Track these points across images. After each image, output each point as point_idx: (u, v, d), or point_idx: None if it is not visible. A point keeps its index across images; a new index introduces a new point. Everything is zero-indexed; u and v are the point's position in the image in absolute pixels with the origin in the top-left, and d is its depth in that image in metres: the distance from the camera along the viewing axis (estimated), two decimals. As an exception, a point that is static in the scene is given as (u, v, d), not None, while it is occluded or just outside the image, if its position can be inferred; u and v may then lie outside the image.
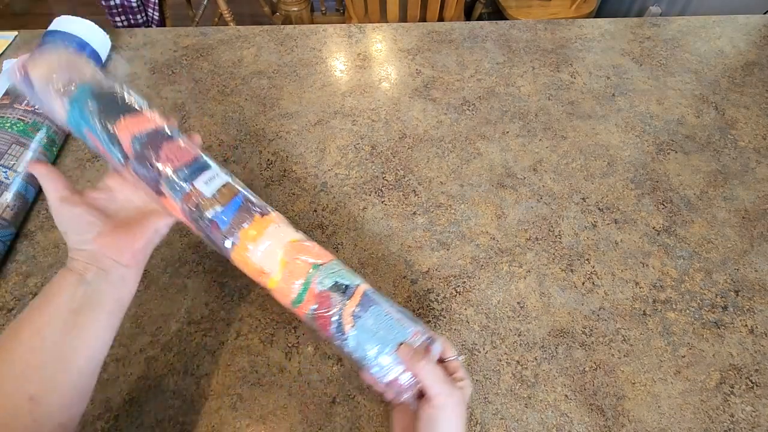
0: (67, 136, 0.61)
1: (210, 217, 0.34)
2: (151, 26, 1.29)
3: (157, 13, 1.27)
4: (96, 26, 0.67)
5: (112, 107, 0.35)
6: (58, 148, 0.59)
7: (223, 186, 0.35)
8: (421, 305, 0.47)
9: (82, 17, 0.66)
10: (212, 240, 0.35)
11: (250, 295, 0.48)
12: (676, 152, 0.61)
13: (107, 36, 0.69)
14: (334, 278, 0.35)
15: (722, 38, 0.77)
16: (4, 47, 0.73)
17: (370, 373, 0.34)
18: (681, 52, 0.75)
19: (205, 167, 0.36)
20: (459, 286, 0.49)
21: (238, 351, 0.44)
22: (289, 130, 0.63)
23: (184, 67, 0.71)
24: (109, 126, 0.34)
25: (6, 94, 0.56)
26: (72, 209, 0.34)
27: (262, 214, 0.36)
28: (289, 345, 0.45)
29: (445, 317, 0.47)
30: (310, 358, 0.44)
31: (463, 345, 0.45)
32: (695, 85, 0.69)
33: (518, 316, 0.47)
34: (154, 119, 0.36)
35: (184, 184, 0.34)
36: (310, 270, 0.35)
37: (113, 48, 0.73)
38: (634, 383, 0.43)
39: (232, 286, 0.48)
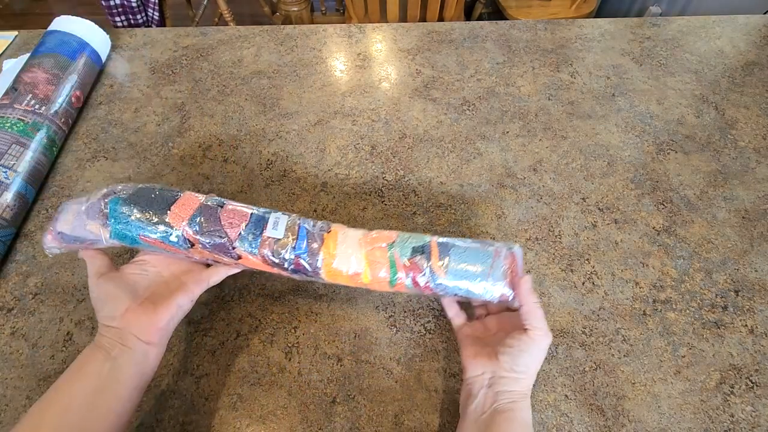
0: (67, 136, 0.61)
1: (290, 255, 0.38)
2: (151, 26, 1.29)
3: (157, 13, 1.27)
4: (96, 26, 0.67)
5: (153, 203, 0.38)
6: (58, 148, 0.59)
7: (287, 224, 0.39)
8: (421, 305, 0.47)
9: (82, 17, 0.66)
10: (301, 272, 0.39)
11: (250, 295, 0.48)
12: (676, 152, 0.61)
13: (107, 36, 0.69)
14: (409, 246, 0.39)
15: (722, 38, 0.77)
16: (4, 47, 0.73)
17: (478, 298, 0.39)
18: (681, 52, 0.75)
19: (262, 217, 0.40)
20: (459, 286, 0.49)
21: (238, 351, 0.44)
22: (289, 130, 0.63)
23: (184, 67, 0.71)
24: (162, 219, 0.38)
25: (6, 94, 0.56)
26: (106, 284, 0.37)
27: (327, 231, 0.40)
28: (289, 345, 0.45)
29: (445, 317, 0.47)
30: (310, 358, 0.44)
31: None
32: (695, 85, 0.69)
33: (518, 316, 0.47)
34: (193, 197, 0.40)
35: (254, 239, 0.38)
36: (388, 251, 0.39)
37: (113, 48, 0.73)
38: (634, 383, 0.43)
39: (232, 286, 0.48)
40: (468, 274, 0.38)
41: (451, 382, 0.43)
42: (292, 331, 0.46)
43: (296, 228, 0.39)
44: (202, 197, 0.40)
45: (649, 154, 0.61)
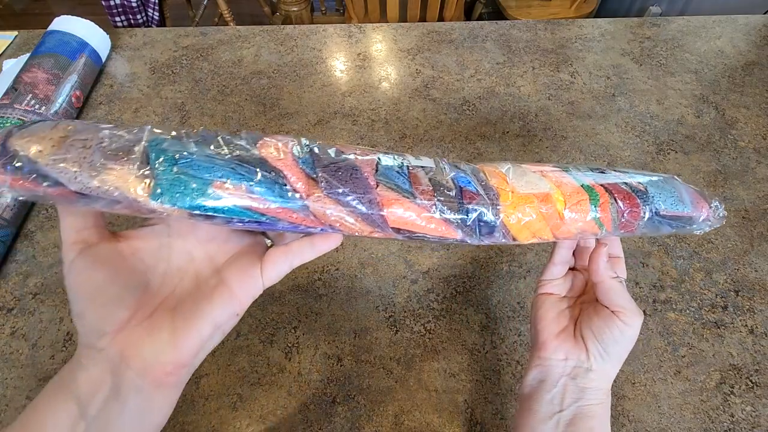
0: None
1: (453, 186, 0.27)
2: (151, 26, 1.29)
3: (157, 13, 1.27)
4: (96, 26, 0.67)
5: (225, 141, 0.23)
6: (58, 148, 0.59)
7: (434, 167, 0.28)
8: (421, 305, 0.47)
9: (82, 17, 0.66)
10: (480, 228, 0.28)
11: (250, 295, 0.48)
12: (676, 152, 0.61)
13: (107, 36, 0.69)
14: (587, 172, 0.31)
15: (722, 38, 0.77)
16: (4, 47, 0.73)
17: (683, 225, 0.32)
18: (681, 52, 0.75)
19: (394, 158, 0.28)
20: (459, 286, 0.49)
21: (238, 351, 0.44)
22: (289, 130, 0.63)
23: (184, 67, 0.71)
24: (250, 153, 0.23)
25: (6, 94, 0.56)
26: (92, 269, 0.21)
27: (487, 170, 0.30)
28: (289, 345, 0.45)
29: (445, 317, 0.47)
30: (310, 358, 0.44)
31: (463, 345, 0.45)
32: (695, 85, 0.69)
33: (518, 316, 0.47)
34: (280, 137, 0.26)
35: (401, 173, 0.26)
36: (569, 174, 0.31)
37: (113, 48, 0.73)
38: (634, 383, 0.43)
39: (232, 286, 0.48)
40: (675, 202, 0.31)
41: (451, 382, 0.43)
42: (292, 331, 0.46)
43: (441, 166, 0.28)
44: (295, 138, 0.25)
45: (649, 154, 0.61)
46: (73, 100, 0.61)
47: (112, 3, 1.18)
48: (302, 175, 0.23)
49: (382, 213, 0.25)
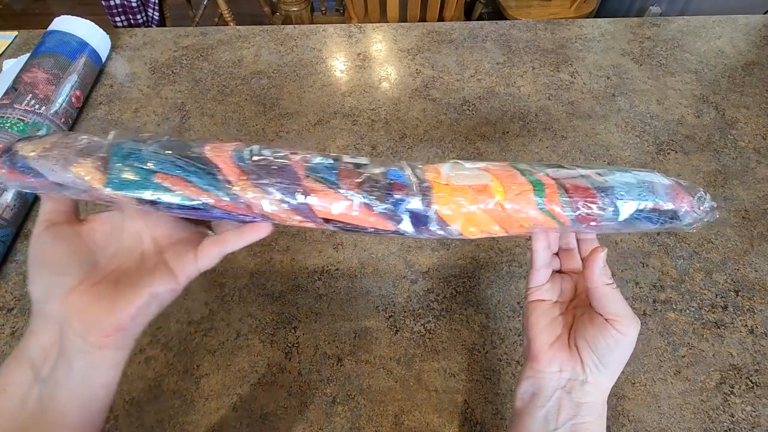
0: (67, 136, 0.61)
1: (385, 180, 0.28)
2: (151, 26, 1.29)
3: (156, 13, 1.27)
4: (96, 26, 0.67)
5: (177, 145, 0.27)
6: (58, 148, 0.59)
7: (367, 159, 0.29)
8: (421, 305, 0.47)
9: (82, 17, 0.66)
10: (414, 219, 0.28)
11: (250, 295, 0.48)
12: (676, 152, 0.61)
13: (107, 36, 0.69)
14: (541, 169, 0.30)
15: (722, 38, 0.77)
16: (4, 47, 0.73)
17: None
18: (681, 52, 0.75)
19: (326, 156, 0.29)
20: (459, 286, 0.49)
21: (238, 351, 0.44)
22: (289, 130, 0.63)
23: (184, 67, 0.71)
24: (197, 153, 0.27)
25: (6, 94, 0.56)
26: (54, 242, 0.25)
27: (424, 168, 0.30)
28: (289, 345, 0.45)
29: (445, 317, 0.47)
30: (310, 358, 0.44)
31: (463, 345, 0.45)
32: (695, 85, 0.69)
33: (518, 316, 0.47)
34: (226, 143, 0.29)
35: (329, 168, 0.28)
36: (516, 170, 0.30)
37: (113, 48, 0.73)
38: (634, 383, 0.43)
39: (232, 286, 0.48)
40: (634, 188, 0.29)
41: (451, 382, 0.43)
42: (292, 331, 0.46)
43: (386, 162, 0.29)
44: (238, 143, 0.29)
45: (649, 154, 0.61)
46: (73, 100, 0.61)
47: (112, 3, 1.18)
48: (235, 169, 0.26)
49: (306, 202, 0.27)
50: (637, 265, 0.50)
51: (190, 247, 0.29)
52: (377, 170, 0.28)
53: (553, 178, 0.29)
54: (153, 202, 0.26)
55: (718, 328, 0.46)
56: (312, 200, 0.27)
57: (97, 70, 0.68)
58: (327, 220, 0.28)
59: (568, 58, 0.73)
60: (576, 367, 0.29)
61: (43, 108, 0.56)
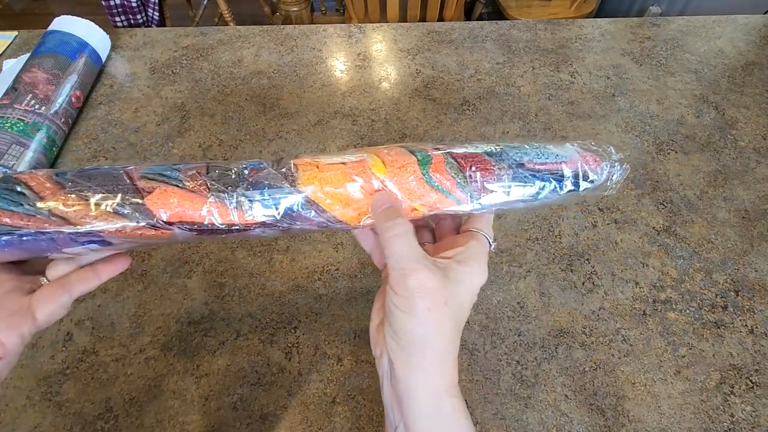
0: (67, 136, 0.61)
1: (242, 170, 0.25)
2: (150, 26, 1.29)
3: (156, 13, 1.27)
4: (96, 26, 0.67)
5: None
6: (58, 148, 0.59)
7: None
8: (421, 305, 0.47)
9: (82, 17, 0.66)
10: (285, 212, 0.25)
11: (250, 295, 0.48)
12: (676, 152, 0.61)
13: (107, 36, 0.69)
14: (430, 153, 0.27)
15: (722, 38, 0.77)
16: (4, 47, 0.73)
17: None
18: (681, 52, 0.75)
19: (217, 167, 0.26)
20: (459, 286, 0.49)
21: (238, 351, 0.44)
22: (289, 130, 0.63)
23: (184, 67, 0.71)
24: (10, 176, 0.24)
25: (6, 94, 0.56)
26: None
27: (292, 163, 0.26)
28: (289, 345, 0.45)
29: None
30: (310, 358, 0.44)
31: (463, 345, 0.45)
32: (695, 85, 0.69)
33: (518, 316, 0.47)
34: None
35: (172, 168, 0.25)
36: (407, 150, 0.26)
37: (113, 48, 0.73)
38: (634, 383, 0.43)
39: (232, 286, 0.48)
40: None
41: (451, 382, 0.43)
42: (292, 331, 0.46)
43: (257, 171, 0.25)
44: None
45: (649, 154, 0.61)
46: (73, 100, 0.61)
47: (112, 3, 1.18)
48: (50, 184, 0.23)
49: (141, 202, 0.22)
50: (637, 265, 0.50)
51: (18, 303, 0.24)
52: (235, 165, 0.25)
53: (441, 151, 0.27)
54: None
55: (718, 328, 0.46)
56: (154, 201, 0.22)
57: (97, 70, 0.68)
58: (171, 223, 0.23)
59: (568, 58, 0.73)
60: (382, 346, 0.24)
61: (43, 108, 0.56)
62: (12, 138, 0.53)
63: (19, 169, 0.52)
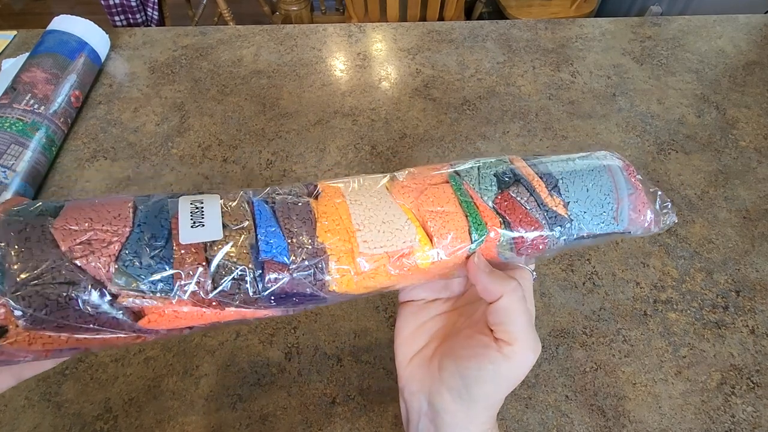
0: (66, 136, 0.61)
1: (252, 266, 0.19)
2: (150, 26, 1.29)
3: (156, 13, 1.27)
4: (95, 25, 0.67)
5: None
6: (57, 148, 0.59)
7: (223, 208, 0.21)
8: (421, 305, 0.47)
9: (82, 16, 0.66)
10: (289, 297, 0.20)
11: (250, 295, 0.48)
12: (677, 152, 0.61)
13: (106, 35, 0.69)
14: (489, 172, 0.23)
15: (723, 38, 0.77)
16: (3, 47, 0.73)
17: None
18: (682, 51, 0.75)
19: (161, 207, 0.20)
20: (459, 286, 0.49)
21: (238, 351, 0.44)
22: (289, 130, 0.63)
23: (184, 67, 0.71)
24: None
25: (5, 93, 0.56)
26: None
27: (313, 195, 0.22)
28: (289, 345, 0.45)
29: (445, 317, 0.46)
30: (310, 358, 0.44)
31: (463, 345, 0.45)
32: (696, 85, 0.69)
33: (519, 317, 0.46)
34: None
35: (157, 258, 0.19)
36: (452, 187, 0.23)
37: (112, 47, 0.73)
38: (634, 384, 0.43)
39: (232, 286, 0.48)
40: (592, 199, 0.24)
41: (451, 383, 0.43)
42: (292, 331, 0.46)
43: (246, 208, 0.21)
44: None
45: (650, 154, 0.60)
46: (72, 99, 0.61)
47: (111, 2, 1.18)
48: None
49: (134, 323, 0.18)
50: (638, 265, 0.50)
51: None
52: (239, 265, 0.19)
53: (498, 203, 0.23)
54: None
55: (719, 328, 0.46)
56: (144, 323, 0.18)
57: (97, 70, 0.68)
58: (171, 330, 0.19)
59: (568, 57, 0.73)
60: (435, 385, 0.23)
61: (42, 108, 0.56)
62: (11, 138, 0.52)
63: (18, 169, 0.52)
